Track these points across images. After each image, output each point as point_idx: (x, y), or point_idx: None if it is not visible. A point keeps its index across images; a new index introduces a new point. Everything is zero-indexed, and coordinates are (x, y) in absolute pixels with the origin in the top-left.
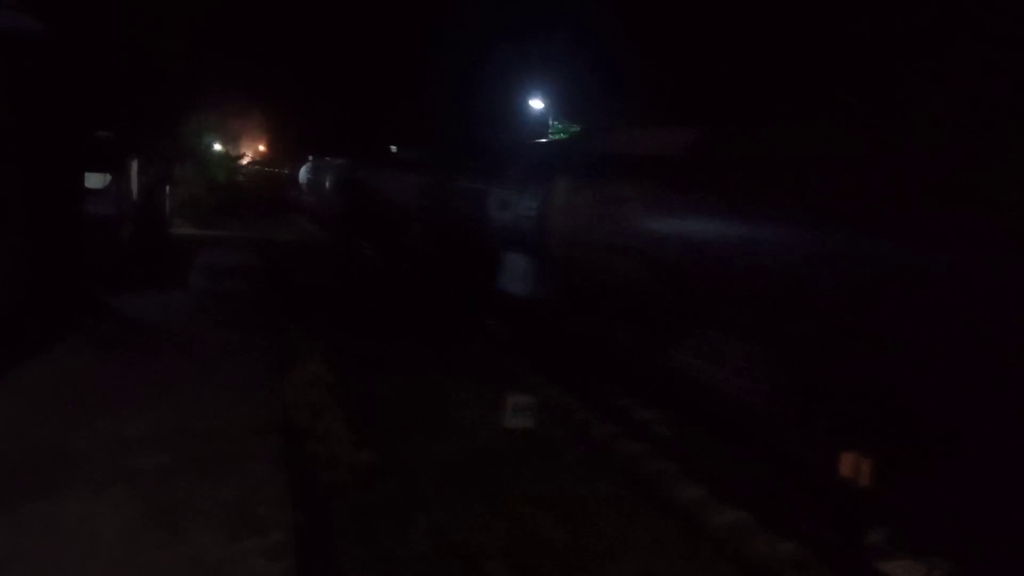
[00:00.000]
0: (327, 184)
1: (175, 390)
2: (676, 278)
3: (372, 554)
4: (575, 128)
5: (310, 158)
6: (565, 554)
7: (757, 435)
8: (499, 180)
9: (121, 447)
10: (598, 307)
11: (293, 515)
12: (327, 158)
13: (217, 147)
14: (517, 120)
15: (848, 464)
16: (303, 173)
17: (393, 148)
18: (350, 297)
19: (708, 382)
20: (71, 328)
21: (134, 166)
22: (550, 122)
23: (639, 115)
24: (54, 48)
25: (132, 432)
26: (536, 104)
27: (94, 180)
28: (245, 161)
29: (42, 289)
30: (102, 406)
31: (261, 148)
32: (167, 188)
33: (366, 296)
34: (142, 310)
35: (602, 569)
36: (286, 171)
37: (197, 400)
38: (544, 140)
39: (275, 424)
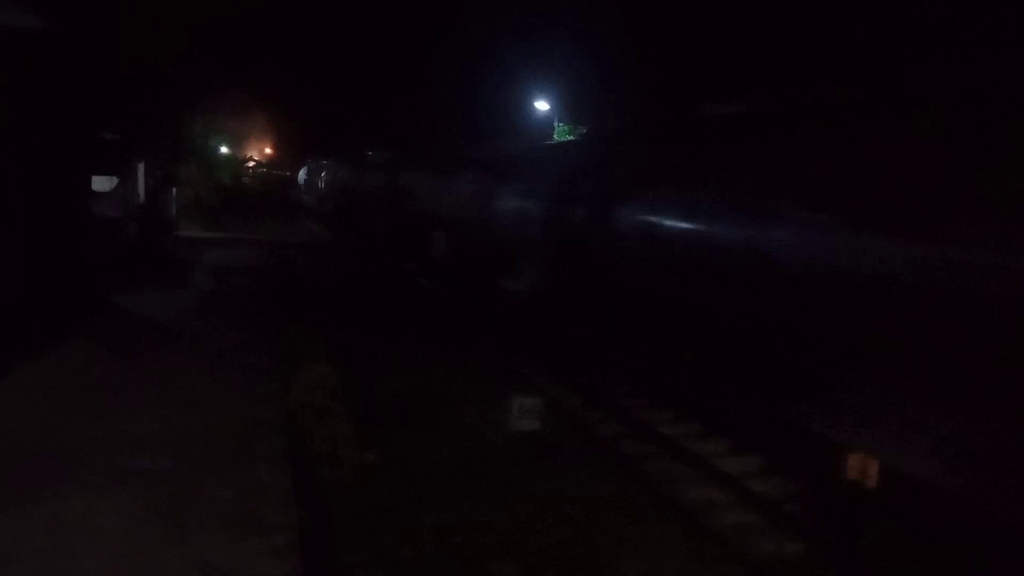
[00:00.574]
0: (321, 185)
1: (178, 389)
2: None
3: (376, 554)
4: (581, 129)
5: (308, 160)
6: (569, 554)
7: None
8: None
9: (123, 446)
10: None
11: (297, 515)
12: (323, 160)
13: (223, 149)
14: (522, 122)
15: (855, 465)
16: (302, 174)
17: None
18: (352, 295)
19: None
20: (75, 327)
21: (140, 168)
22: (555, 124)
23: (642, 114)
24: (57, 47)
25: (134, 431)
26: (541, 106)
27: (101, 182)
28: (251, 164)
29: (45, 288)
30: (104, 405)
31: (267, 150)
32: (173, 190)
33: (368, 294)
34: (146, 310)
35: (606, 569)
36: (290, 173)
37: (200, 400)
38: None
39: (279, 424)
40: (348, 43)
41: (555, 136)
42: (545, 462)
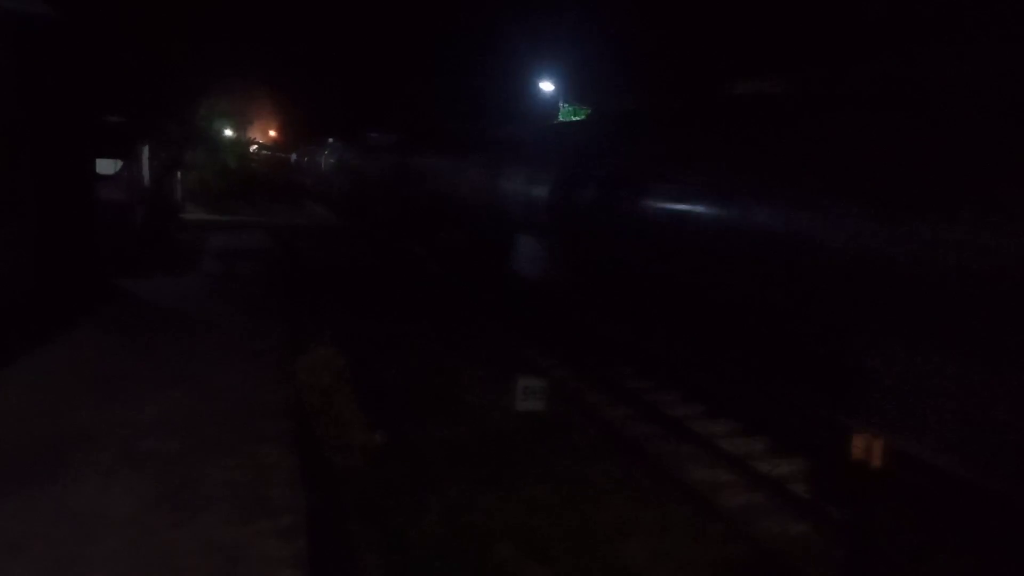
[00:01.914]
0: (327, 168)
1: (187, 374)
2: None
3: (384, 535)
4: (585, 110)
5: (313, 143)
6: (575, 535)
7: None
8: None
9: (133, 430)
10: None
11: (305, 497)
12: (328, 143)
13: (228, 132)
14: (527, 102)
15: (860, 445)
16: (307, 157)
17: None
18: (359, 279)
19: None
20: (83, 312)
21: (145, 152)
22: (560, 104)
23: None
24: (62, 32)
25: (144, 415)
26: (546, 87)
27: (106, 166)
28: (254, 147)
29: (53, 274)
30: (114, 389)
31: (272, 133)
32: (178, 173)
33: (375, 277)
34: (154, 294)
35: (612, 549)
36: (295, 156)
37: (209, 383)
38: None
39: (287, 407)
40: (352, 25)
41: (560, 117)
42: (551, 443)
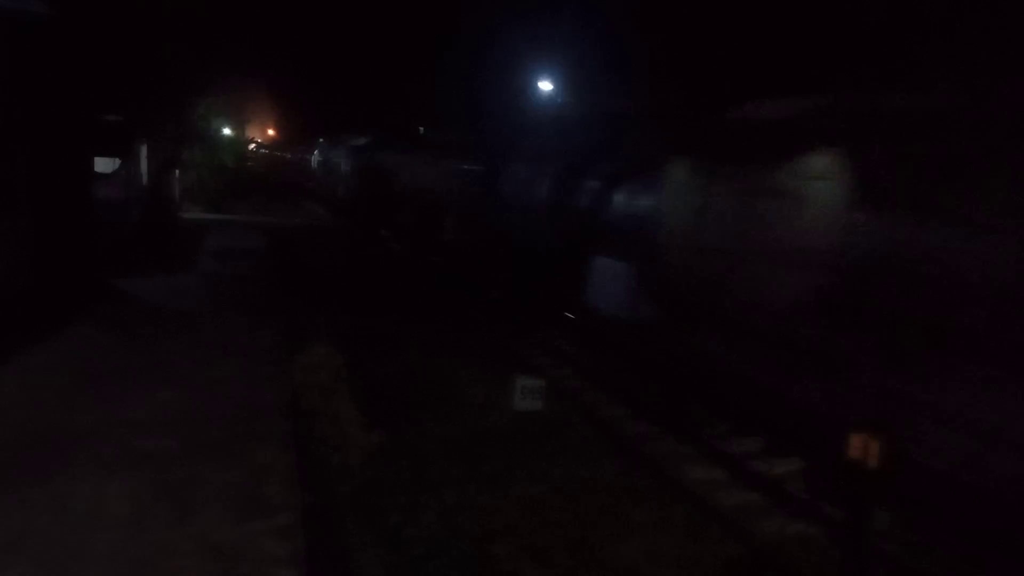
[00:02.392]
0: (325, 167)
1: (183, 373)
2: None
3: (381, 535)
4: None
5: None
6: (573, 534)
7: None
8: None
9: (129, 429)
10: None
11: (302, 496)
12: (325, 143)
13: (226, 131)
14: (524, 102)
15: (857, 444)
16: (305, 157)
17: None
18: (355, 278)
19: None
20: (79, 311)
21: (143, 150)
22: (558, 103)
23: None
24: (59, 30)
25: (140, 414)
26: (545, 86)
27: (103, 164)
28: (253, 146)
29: (49, 272)
30: (110, 388)
31: (270, 132)
32: (176, 172)
33: (372, 276)
34: (151, 293)
35: (610, 549)
36: (291, 155)
37: (205, 383)
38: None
39: (283, 406)
40: (351, 24)
41: None
42: (548, 443)
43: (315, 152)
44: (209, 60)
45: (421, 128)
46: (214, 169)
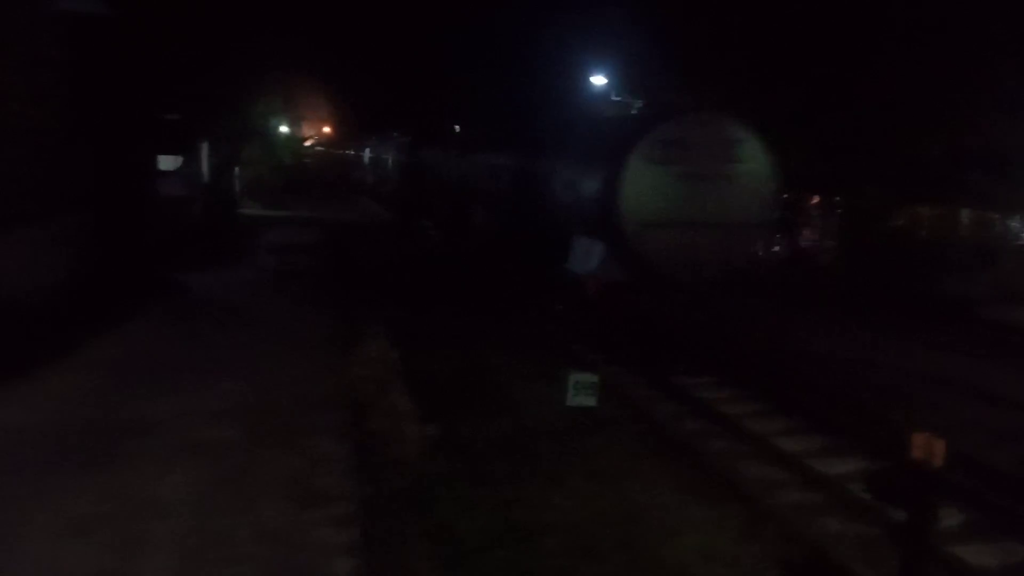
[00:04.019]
0: (379, 164)
1: (243, 365)
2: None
3: (435, 527)
4: (638, 103)
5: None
6: (625, 532)
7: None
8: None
9: (191, 419)
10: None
11: (358, 487)
12: (379, 140)
13: (283, 129)
14: (578, 97)
15: (920, 444)
16: (361, 153)
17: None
18: (409, 273)
19: None
20: (143, 304)
21: (204, 148)
22: (612, 98)
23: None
24: (121, 31)
25: (200, 405)
26: (598, 80)
27: (167, 162)
28: (309, 143)
29: (114, 266)
30: (172, 379)
31: (326, 129)
32: (236, 169)
33: (424, 272)
34: (211, 287)
35: (663, 547)
36: (349, 152)
37: (264, 375)
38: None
39: (339, 398)
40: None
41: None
42: (601, 439)
43: (367, 149)
44: (266, 59)
45: (456, 126)
46: (272, 166)
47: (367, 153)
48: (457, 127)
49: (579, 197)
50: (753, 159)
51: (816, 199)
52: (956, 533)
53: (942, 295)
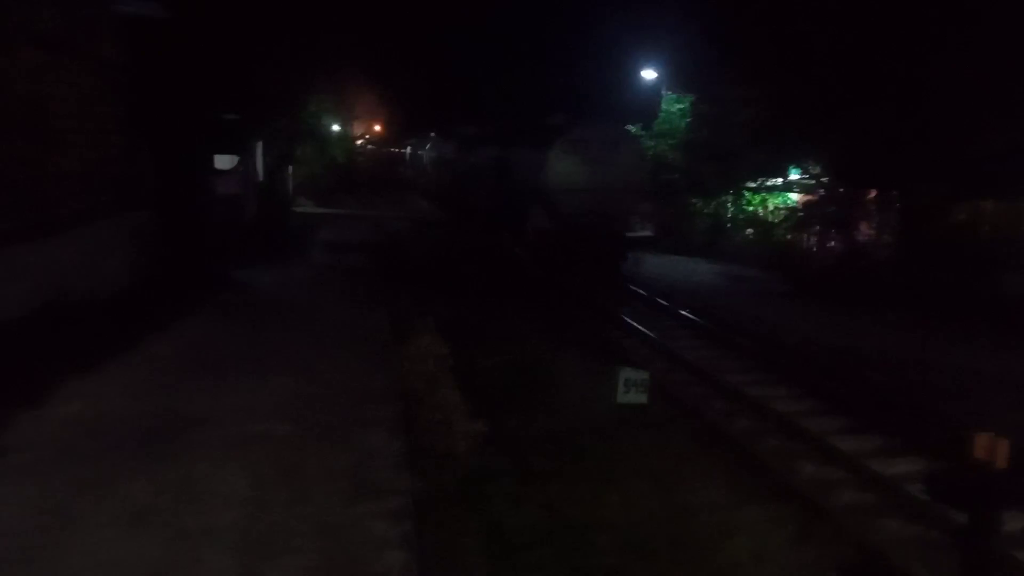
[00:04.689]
0: (429, 162)
1: (296, 360)
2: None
3: (485, 522)
4: (689, 98)
5: (417, 138)
6: (676, 531)
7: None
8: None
9: (246, 413)
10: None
11: (410, 482)
12: (430, 138)
13: (335, 128)
14: (629, 91)
15: (982, 445)
16: (411, 152)
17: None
18: (458, 270)
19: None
20: (200, 300)
21: (259, 147)
22: (663, 92)
23: (753, 82)
24: (177, 32)
25: (255, 399)
26: (648, 75)
27: (223, 161)
28: (360, 141)
29: (173, 263)
30: (228, 374)
31: (377, 128)
32: (289, 168)
33: (474, 268)
34: (266, 284)
35: (714, 548)
36: (399, 150)
37: (317, 370)
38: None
39: (390, 393)
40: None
41: (663, 105)
42: (652, 437)
43: (412, 148)
44: (320, 59)
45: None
46: (325, 165)
47: (413, 151)
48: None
49: (527, 177)
50: (630, 150)
51: (873, 194)
52: (1021, 538)
53: (1004, 293)
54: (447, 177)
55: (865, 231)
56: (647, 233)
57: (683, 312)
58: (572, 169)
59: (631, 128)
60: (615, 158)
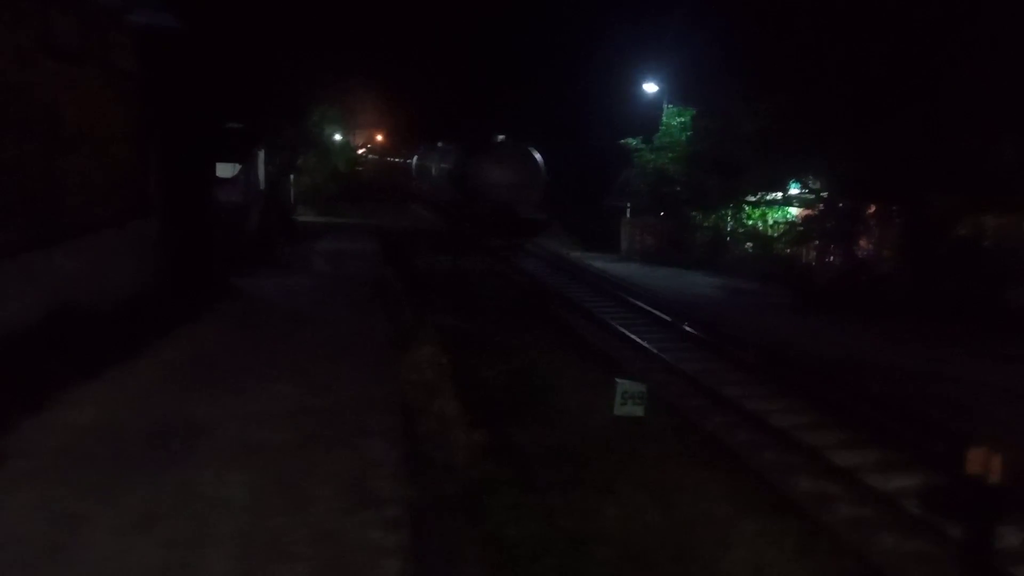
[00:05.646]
0: (430, 172)
1: (297, 369)
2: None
3: (483, 533)
4: (690, 111)
5: (417, 148)
6: (675, 543)
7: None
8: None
9: (247, 421)
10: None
11: (409, 491)
12: (430, 147)
13: (337, 137)
14: (629, 105)
15: (977, 460)
16: (412, 162)
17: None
18: (458, 280)
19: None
20: (203, 308)
21: (261, 156)
22: (664, 105)
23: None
24: (188, 44)
25: (257, 408)
26: (650, 88)
27: (225, 170)
28: (362, 151)
29: (176, 271)
30: (231, 382)
31: (379, 138)
32: (291, 177)
33: (473, 277)
34: (267, 292)
35: (713, 560)
36: (400, 160)
37: (317, 378)
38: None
39: (391, 403)
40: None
41: (663, 118)
42: (651, 449)
43: (415, 158)
44: (323, 69)
45: (501, 135)
46: (327, 174)
47: (416, 161)
48: (501, 136)
49: (463, 177)
50: (532, 162)
51: (873, 208)
52: (1018, 553)
53: (1008, 306)
54: (444, 185)
55: (865, 246)
56: (541, 217)
57: (686, 327)
58: (495, 173)
59: (632, 141)
60: (522, 167)
